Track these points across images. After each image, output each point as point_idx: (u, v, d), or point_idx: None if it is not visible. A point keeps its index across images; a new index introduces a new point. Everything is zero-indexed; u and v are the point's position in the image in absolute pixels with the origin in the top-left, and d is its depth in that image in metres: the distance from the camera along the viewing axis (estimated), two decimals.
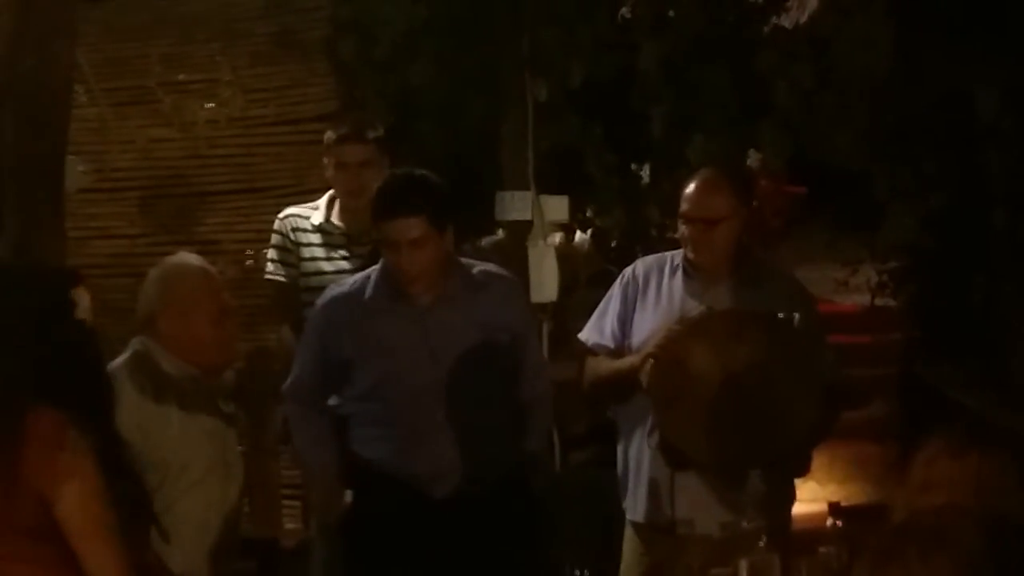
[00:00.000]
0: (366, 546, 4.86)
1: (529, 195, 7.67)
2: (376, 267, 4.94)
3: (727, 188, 4.93)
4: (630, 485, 4.99)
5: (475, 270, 4.98)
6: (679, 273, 4.96)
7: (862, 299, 9.19)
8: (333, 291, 5.00)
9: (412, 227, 4.71)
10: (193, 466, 4.41)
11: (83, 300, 3.58)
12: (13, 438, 3.33)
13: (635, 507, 4.97)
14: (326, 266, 5.87)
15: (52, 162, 5.94)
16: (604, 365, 4.99)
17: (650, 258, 5.14)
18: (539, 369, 5.17)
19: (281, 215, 6.12)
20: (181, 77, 7.59)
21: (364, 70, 7.52)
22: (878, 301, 8.86)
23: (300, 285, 5.88)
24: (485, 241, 7.97)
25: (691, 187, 4.93)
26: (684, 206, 4.93)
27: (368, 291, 4.88)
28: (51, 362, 3.50)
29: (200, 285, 4.52)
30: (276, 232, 6.10)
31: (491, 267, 5.07)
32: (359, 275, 5.02)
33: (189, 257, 4.71)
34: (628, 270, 5.10)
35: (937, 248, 7.59)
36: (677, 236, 5.00)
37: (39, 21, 5.78)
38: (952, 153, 7.06)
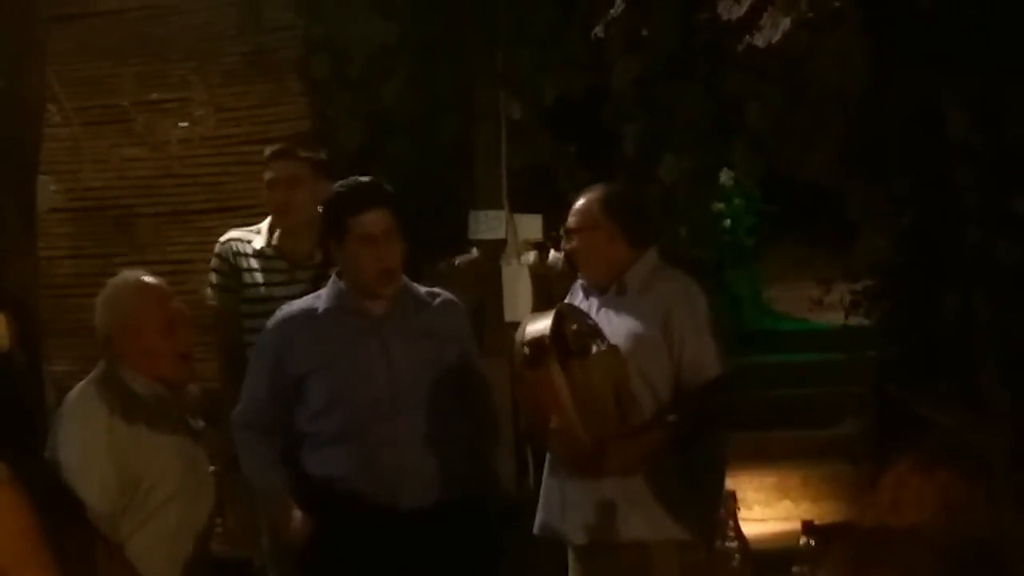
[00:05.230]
0: (332, 566, 4.85)
1: (503, 214, 7.68)
2: (326, 286, 4.98)
3: (596, 201, 5.13)
4: (574, 506, 5.03)
5: (421, 288, 5.08)
6: (582, 290, 5.21)
7: (836, 317, 9.20)
8: (283, 310, 5.01)
9: (385, 218, 4.82)
10: (163, 484, 4.39)
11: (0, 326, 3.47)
12: None
13: (579, 529, 5.01)
14: (267, 291, 5.79)
15: (24, 182, 5.93)
16: None
17: None
18: (488, 387, 5.22)
19: (222, 239, 6.01)
20: (154, 96, 7.60)
21: (337, 89, 7.52)
22: (852, 319, 8.87)
23: (242, 311, 5.82)
24: (459, 260, 7.96)
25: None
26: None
27: (321, 305, 4.92)
28: None
29: (142, 298, 4.49)
30: (216, 256, 6.01)
31: (434, 288, 5.16)
32: (308, 296, 5.06)
33: (130, 273, 4.68)
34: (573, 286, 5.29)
35: (910, 266, 7.61)
36: None
37: (10, 41, 5.77)
38: (924, 171, 7.07)
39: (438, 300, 5.04)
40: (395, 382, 4.84)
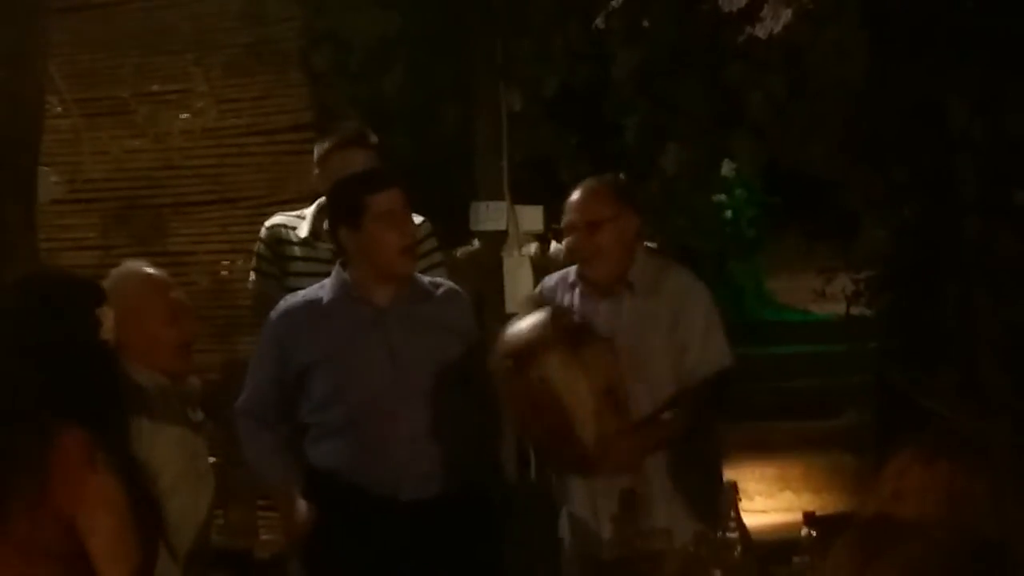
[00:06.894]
0: (337, 557, 4.85)
1: (504, 205, 7.68)
2: (329, 276, 4.98)
3: (607, 192, 4.94)
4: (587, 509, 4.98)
5: (425, 279, 5.06)
6: (576, 289, 4.98)
7: (838, 308, 9.21)
8: (287, 301, 5.02)
9: (401, 196, 4.85)
10: (163, 476, 4.37)
11: (108, 319, 3.51)
12: (41, 460, 3.26)
13: (600, 527, 4.91)
14: (310, 280, 5.76)
15: (24, 174, 5.92)
16: None
17: (555, 275, 5.15)
18: (490, 378, 5.20)
19: (268, 223, 5.98)
20: (155, 88, 7.57)
21: (338, 80, 7.52)
22: (854, 310, 8.88)
23: (284, 298, 5.78)
24: (460, 252, 7.96)
25: (572, 197, 4.96)
26: (565, 216, 4.97)
27: (326, 296, 4.92)
28: (77, 382, 3.42)
29: (144, 287, 4.49)
30: (261, 241, 5.99)
31: (437, 279, 5.14)
32: (313, 286, 5.05)
33: (132, 264, 4.68)
34: (537, 288, 5.14)
35: (910, 257, 7.61)
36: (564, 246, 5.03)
37: (10, 32, 5.76)
38: (925, 162, 7.08)
39: (442, 290, 5.03)
40: (398, 373, 4.83)
